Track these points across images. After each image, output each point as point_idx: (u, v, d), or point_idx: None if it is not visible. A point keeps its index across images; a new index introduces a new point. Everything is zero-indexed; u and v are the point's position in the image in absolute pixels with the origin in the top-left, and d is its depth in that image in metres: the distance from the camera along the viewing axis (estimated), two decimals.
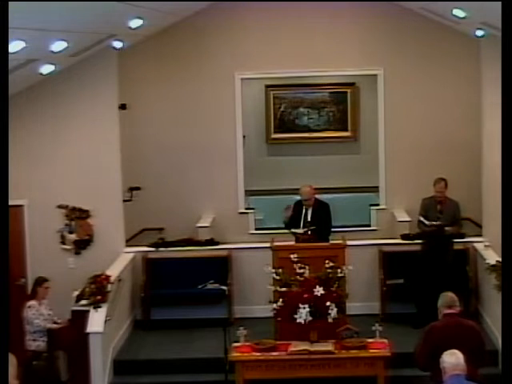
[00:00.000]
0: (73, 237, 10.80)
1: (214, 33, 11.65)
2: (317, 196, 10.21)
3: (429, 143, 11.74)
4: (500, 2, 6.97)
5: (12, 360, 5.48)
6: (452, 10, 9.68)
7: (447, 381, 5.92)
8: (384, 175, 11.92)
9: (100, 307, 9.22)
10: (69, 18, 7.62)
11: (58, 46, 8.47)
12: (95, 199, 10.73)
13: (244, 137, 12.16)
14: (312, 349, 8.61)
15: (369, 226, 12.02)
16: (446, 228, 10.04)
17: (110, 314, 9.32)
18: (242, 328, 8.86)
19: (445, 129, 11.74)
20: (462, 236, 10.74)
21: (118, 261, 10.58)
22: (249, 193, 12.46)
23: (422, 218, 10.12)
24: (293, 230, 10.01)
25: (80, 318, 9.12)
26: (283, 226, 10.28)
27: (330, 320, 8.69)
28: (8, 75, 6.88)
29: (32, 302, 9.20)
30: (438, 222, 10.01)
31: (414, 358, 7.10)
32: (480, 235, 10.95)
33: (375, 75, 11.87)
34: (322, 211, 10.10)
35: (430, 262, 10.06)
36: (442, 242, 10.08)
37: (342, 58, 11.73)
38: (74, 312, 9.31)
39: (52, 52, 8.54)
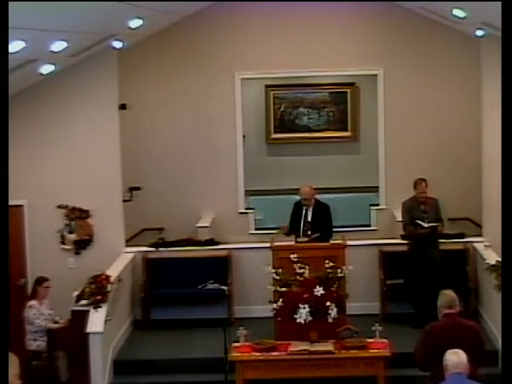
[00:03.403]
0: (73, 237, 10.80)
1: (214, 33, 11.66)
2: (317, 196, 10.20)
3: (429, 143, 11.75)
4: (500, 2, 6.97)
5: (14, 360, 5.44)
6: (452, 10, 9.68)
7: (449, 379, 5.92)
8: (384, 175, 11.93)
9: (100, 307, 9.21)
10: (69, 18, 7.63)
11: (58, 46, 8.48)
12: (95, 199, 10.73)
13: (244, 137, 12.16)
14: (312, 349, 8.60)
15: (369, 225, 12.03)
16: (438, 227, 10.09)
17: (109, 313, 9.32)
18: (241, 328, 8.85)
19: (445, 128, 11.75)
20: (462, 236, 10.77)
21: (118, 261, 10.58)
22: (249, 193, 12.47)
23: (418, 221, 10.10)
24: (298, 240, 10.00)
25: (80, 317, 9.12)
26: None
27: (330, 320, 8.68)
28: (8, 75, 6.88)
29: (33, 302, 9.20)
30: (434, 223, 10.03)
31: (413, 358, 7.10)
32: (480, 235, 10.95)
33: (375, 75, 11.89)
34: (323, 212, 10.09)
35: (418, 262, 10.07)
36: (428, 242, 10.10)
37: (342, 58, 11.74)
38: (73, 312, 9.31)
39: (52, 52, 8.55)
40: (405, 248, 10.64)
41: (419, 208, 10.20)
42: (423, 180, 10.22)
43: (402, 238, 10.94)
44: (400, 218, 11.36)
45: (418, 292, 10.02)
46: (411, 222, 10.16)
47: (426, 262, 10.05)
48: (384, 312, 10.59)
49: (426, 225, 10.05)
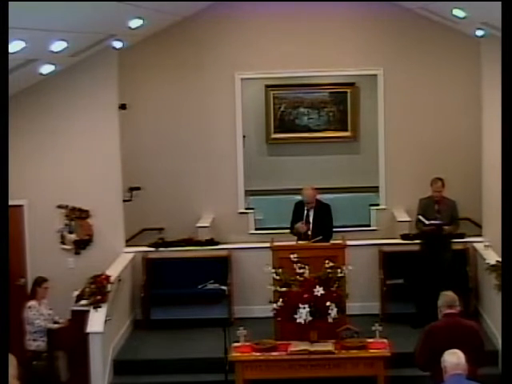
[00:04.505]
0: (73, 237, 10.80)
1: (214, 33, 11.65)
2: (317, 196, 10.21)
3: (429, 143, 11.74)
4: (500, 2, 6.97)
5: (12, 360, 5.49)
6: (452, 10, 9.68)
7: (448, 380, 5.92)
8: (384, 175, 11.92)
9: (100, 307, 9.22)
10: (69, 18, 7.63)
11: (58, 46, 8.48)
12: (95, 199, 10.73)
13: (244, 137, 12.15)
14: (312, 349, 8.61)
15: (369, 226, 12.02)
16: (445, 227, 10.05)
17: (109, 314, 9.32)
18: (241, 328, 8.86)
19: (445, 128, 11.74)
20: (462, 236, 10.74)
21: (118, 261, 10.58)
22: (249, 193, 12.46)
23: (420, 217, 10.12)
24: (300, 243, 10.00)
25: (80, 317, 9.12)
26: (284, 226, 10.29)
27: (330, 320, 8.68)
28: (8, 75, 6.88)
29: (32, 303, 9.20)
30: (436, 221, 10.02)
31: (413, 358, 7.10)
32: (480, 235, 10.95)
33: (375, 75, 11.88)
34: (324, 212, 10.10)
35: (429, 262, 10.07)
36: (440, 242, 10.09)
37: (341, 58, 11.73)
38: (73, 312, 9.31)
39: (52, 52, 8.54)
40: (405, 248, 10.68)
41: (433, 207, 10.18)
42: (440, 179, 10.19)
43: (403, 237, 10.97)
44: (400, 218, 11.43)
45: (421, 292, 9.99)
46: (418, 219, 10.16)
47: (434, 262, 10.02)
48: (384, 312, 10.59)
49: (427, 222, 10.05)
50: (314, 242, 9.77)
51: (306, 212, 10.11)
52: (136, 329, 10.68)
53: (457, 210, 10.27)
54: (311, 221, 10.07)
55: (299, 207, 10.22)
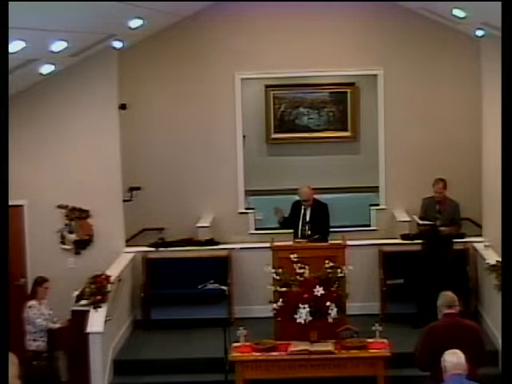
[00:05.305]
0: (73, 237, 10.80)
1: (214, 33, 11.66)
2: (316, 196, 10.23)
3: (429, 143, 11.74)
4: (500, 2, 6.97)
5: (13, 359, 5.48)
6: (452, 10, 9.68)
7: (448, 380, 5.93)
8: (384, 175, 11.92)
9: (100, 307, 9.21)
10: (69, 18, 7.63)
11: (58, 45, 8.49)
12: (95, 199, 10.73)
13: (244, 137, 12.16)
14: (312, 349, 8.61)
15: (369, 225, 12.02)
16: (442, 228, 10.05)
17: (110, 313, 9.32)
18: (241, 328, 8.86)
19: (445, 129, 11.75)
20: (462, 236, 10.74)
21: (118, 261, 10.58)
22: (249, 193, 12.46)
23: (415, 217, 10.15)
24: (296, 240, 10.01)
25: (80, 318, 9.12)
26: (279, 226, 10.33)
27: (330, 320, 8.69)
28: (8, 75, 6.88)
29: (32, 302, 9.19)
30: (430, 222, 10.03)
31: (413, 357, 7.10)
32: (480, 235, 10.95)
33: (375, 75, 11.88)
34: (321, 211, 10.11)
35: (430, 262, 10.08)
36: (441, 242, 10.10)
37: (342, 58, 11.73)
38: (73, 312, 9.31)
39: (52, 52, 8.55)
40: (405, 248, 10.69)
41: (434, 207, 10.19)
42: (441, 180, 10.20)
43: (403, 237, 10.97)
44: (400, 218, 11.43)
45: (421, 292, 9.99)
46: (420, 219, 10.17)
47: (434, 262, 10.02)
48: (384, 312, 10.59)
49: (420, 222, 10.06)
50: (311, 241, 9.77)
51: (302, 211, 10.12)
52: (136, 329, 10.68)
53: (459, 212, 10.27)
54: (308, 219, 10.08)
55: (296, 207, 10.23)
